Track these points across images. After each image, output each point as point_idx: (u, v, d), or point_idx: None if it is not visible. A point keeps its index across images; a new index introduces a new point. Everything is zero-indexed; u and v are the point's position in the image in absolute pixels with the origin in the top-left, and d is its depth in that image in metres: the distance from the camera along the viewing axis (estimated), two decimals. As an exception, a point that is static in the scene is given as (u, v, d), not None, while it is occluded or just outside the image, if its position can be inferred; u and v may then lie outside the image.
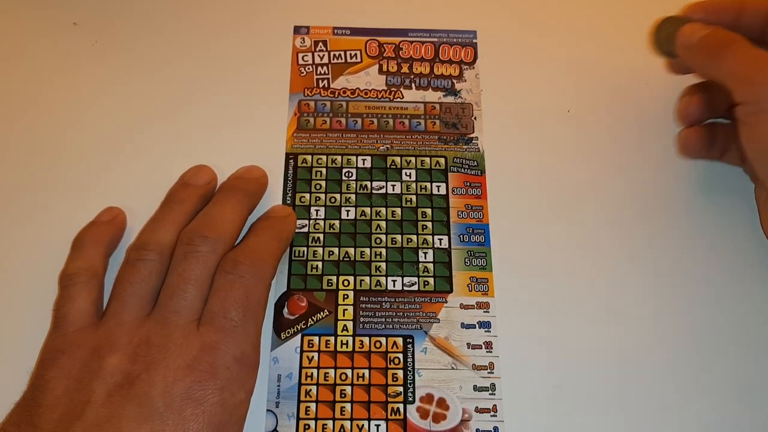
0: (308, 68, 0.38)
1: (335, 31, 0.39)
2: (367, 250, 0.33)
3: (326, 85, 0.37)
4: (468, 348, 0.31)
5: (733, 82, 0.29)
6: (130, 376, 0.25)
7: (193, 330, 0.27)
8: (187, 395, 0.25)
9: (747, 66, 0.29)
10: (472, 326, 0.31)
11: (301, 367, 0.30)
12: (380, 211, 0.34)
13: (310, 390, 0.29)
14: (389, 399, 0.29)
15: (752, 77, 0.28)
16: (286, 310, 0.31)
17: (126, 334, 0.27)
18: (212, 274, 0.28)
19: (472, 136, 0.36)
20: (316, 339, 0.31)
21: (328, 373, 0.30)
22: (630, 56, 0.38)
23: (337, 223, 0.33)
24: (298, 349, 0.30)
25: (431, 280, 0.32)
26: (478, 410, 0.29)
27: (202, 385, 0.25)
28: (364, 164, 0.35)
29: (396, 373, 0.30)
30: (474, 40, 0.39)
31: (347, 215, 0.34)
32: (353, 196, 0.34)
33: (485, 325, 0.31)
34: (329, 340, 0.30)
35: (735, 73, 0.29)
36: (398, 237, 0.33)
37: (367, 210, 0.34)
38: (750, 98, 0.28)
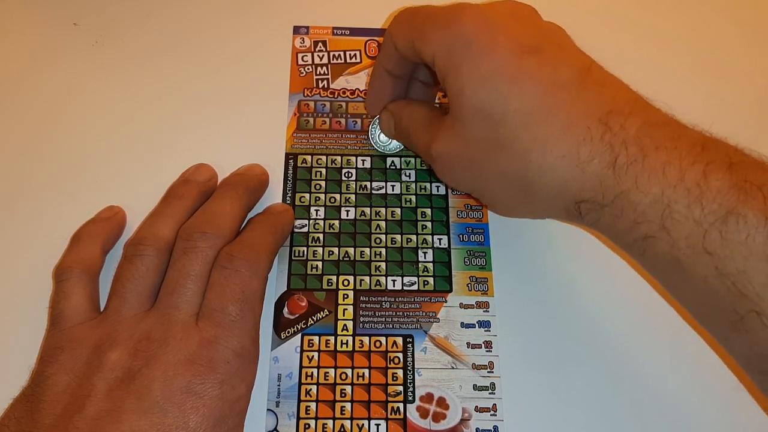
0: (308, 68, 0.38)
1: (335, 31, 0.39)
2: (367, 250, 0.33)
3: (326, 86, 0.37)
4: (468, 347, 0.31)
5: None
6: (130, 371, 0.25)
7: (192, 325, 0.27)
8: (187, 389, 0.25)
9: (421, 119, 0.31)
10: (472, 325, 0.31)
11: (301, 367, 0.30)
12: (380, 211, 0.34)
13: (311, 389, 0.29)
14: (389, 398, 0.29)
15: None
16: (286, 309, 0.31)
17: (126, 330, 0.27)
18: (211, 269, 0.28)
19: (471, 136, 0.36)
20: (316, 338, 0.31)
21: (328, 372, 0.30)
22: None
23: (336, 223, 0.33)
24: (298, 349, 0.30)
25: (431, 280, 0.32)
26: (478, 409, 0.29)
27: (202, 379, 0.25)
28: (363, 165, 0.35)
29: (396, 373, 0.30)
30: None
31: (347, 215, 0.34)
32: (353, 197, 0.34)
33: (485, 324, 0.31)
34: (329, 340, 0.31)
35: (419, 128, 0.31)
36: (398, 237, 0.33)
37: (367, 210, 0.34)
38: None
